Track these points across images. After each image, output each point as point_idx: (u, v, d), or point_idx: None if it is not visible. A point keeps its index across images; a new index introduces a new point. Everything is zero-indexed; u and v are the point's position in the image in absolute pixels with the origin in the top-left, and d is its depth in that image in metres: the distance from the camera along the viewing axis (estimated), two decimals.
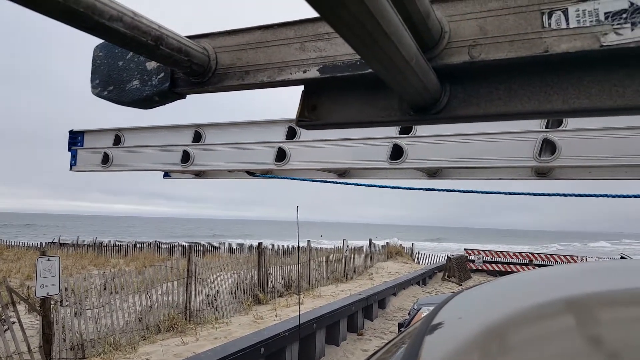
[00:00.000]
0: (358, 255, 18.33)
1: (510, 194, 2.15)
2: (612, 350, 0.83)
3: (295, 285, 13.06)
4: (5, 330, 6.48)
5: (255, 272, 11.82)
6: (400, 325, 7.29)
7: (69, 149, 2.16)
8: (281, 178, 2.35)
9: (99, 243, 31.35)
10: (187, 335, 7.01)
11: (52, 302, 6.86)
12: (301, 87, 0.96)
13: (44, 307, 6.66)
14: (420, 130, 1.69)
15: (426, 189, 2.20)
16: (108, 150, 2.06)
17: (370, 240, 20.23)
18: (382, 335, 9.40)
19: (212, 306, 10.07)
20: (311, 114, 0.94)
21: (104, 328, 7.66)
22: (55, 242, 31.84)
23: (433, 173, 2.23)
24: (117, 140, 2.09)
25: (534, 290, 1.23)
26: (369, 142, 1.72)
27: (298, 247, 2.62)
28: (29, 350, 6.49)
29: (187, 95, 1.08)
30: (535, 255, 22.82)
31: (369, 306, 10.28)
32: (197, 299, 9.74)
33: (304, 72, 0.90)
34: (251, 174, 2.29)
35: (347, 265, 16.22)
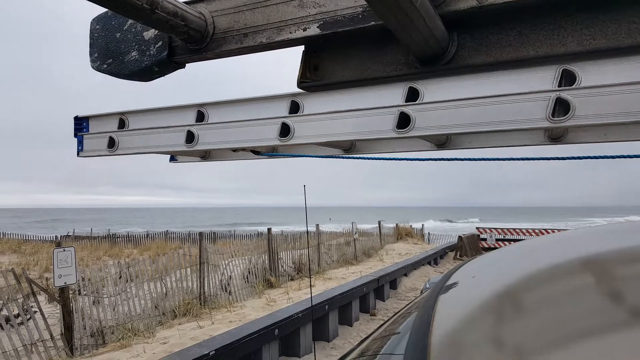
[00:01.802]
0: (367, 238, 18.36)
1: (523, 159, 2.10)
2: (633, 305, 0.81)
3: (305, 268, 13.14)
4: (28, 320, 6.66)
5: (266, 257, 11.91)
6: None
7: (75, 135, 2.16)
8: (286, 156, 2.33)
9: (112, 234, 31.77)
10: (203, 320, 7.10)
11: (71, 292, 7.00)
12: (302, 48, 0.93)
13: (63, 297, 6.81)
14: (427, 96, 1.64)
15: (435, 159, 2.16)
16: (113, 134, 2.05)
17: (379, 222, 20.22)
18: None
19: (226, 291, 10.19)
20: (313, 75, 0.92)
21: (121, 315, 7.81)
22: (69, 235, 32.32)
23: (442, 143, 2.19)
24: (122, 124, 2.08)
25: (551, 251, 1.21)
26: (374, 112, 1.68)
27: (307, 226, 2.62)
28: (52, 337, 6.66)
29: (187, 65, 1.06)
30: (549, 231, 22.53)
31: (381, 287, 10.33)
32: (211, 285, 9.86)
33: (304, 30, 0.87)
34: (256, 153, 2.27)
35: (357, 248, 16.27)
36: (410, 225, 24.88)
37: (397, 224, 23.26)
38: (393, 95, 1.75)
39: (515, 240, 21.56)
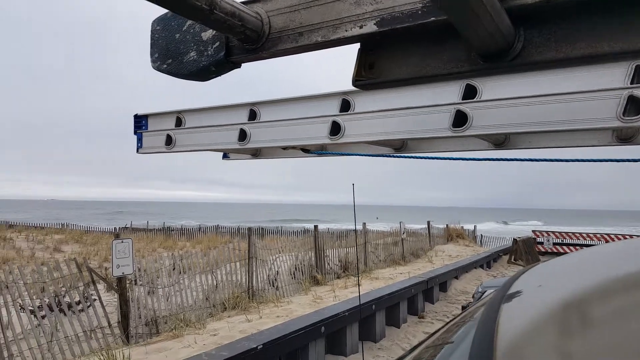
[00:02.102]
0: (416, 238, 18.04)
1: (588, 160, 1.97)
2: None
3: (352, 267, 13.11)
4: (88, 307, 7.04)
5: (312, 254, 11.99)
6: (464, 309, 7.11)
7: (135, 133, 2.25)
8: (336, 154, 2.31)
9: (167, 227, 33.13)
10: (251, 313, 7.25)
11: (128, 282, 7.33)
12: (357, 45, 0.91)
13: (120, 286, 7.15)
14: (486, 93, 1.58)
15: (492, 159, 2.07)
16: (170, 132, 2.12)
17: (428, 222, 19.82)
18: (444, 318, 9.24)
19: (273, 286, 10.36)
20: (369, 73, 0.90)
21: (174, 306, 8.11)
22: (127, 227, 33.99)
23: (500, 143, 2.10)
24: (179, 122, 2.15)
25: (622, 260, 1.13)
26: (428, 110, 1.63)
27: (355, 223, 2.58)
28: (109, 325, 7.01)
29: (243, 65, 1.07)
30: (612, 236, 21.15)
31: (430, 289, 10.13)
32: (259, 279, 10.05)
33: (360, 27, 0.86)
34: (306, 151, 2.28)
35: (405, 248, 16.03)
36: (462, 227, 24.19)
37: (447, 225, 22.70)
38: (449, 92, 1.69)
39: (574, 245, 20.50)
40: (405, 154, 2.19)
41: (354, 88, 1.83)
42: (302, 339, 5.50)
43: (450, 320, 1.66)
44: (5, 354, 5.73)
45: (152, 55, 1.09)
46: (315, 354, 5.76)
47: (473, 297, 7.31)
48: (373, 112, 1.68)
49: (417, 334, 8.06)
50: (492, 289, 6.83)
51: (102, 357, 4.53)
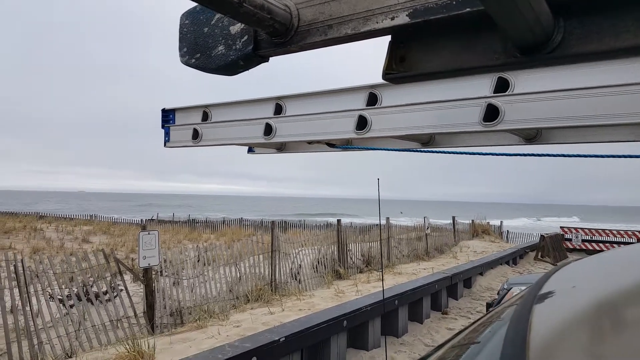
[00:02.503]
0: (440, 233, 17.84)
1: (628, 157, 1.90)
2: None
3: (374, 262, 13.07)
4: (115, 297, 7.20)
5: (335, 248, 11.99)
6: (489, 305, 7.01)
7: (162, 127, 2.28)
8: (362, 149, 2.29)
9: (192, 220, 33.66)
10: (274, 306, 7.31)
11: (153, 273, 7.47)
12: (388, 38, 0.89)
13: (146, 277, 7.29)
14: (519, 86, 1.53)
15: (525, 155, 2.01)
16: (197, 126, 2.14)
17: (453, 217, 19.57)
18: (468, 314, 9.13)
19: (295, 279, 10.42)
20: (399, 66, 0.87)
21: (198, 297, 8.23)
22: (154, 219, 34.65)
23: (531, 138, 2.04)
24: (205, 117, 2.16)
25: None
26: (458, 104, 1.60)
27: (379, 218, 2.56)
28: (135, 314, 7.16)
29: (270, 59, 1.06)
30: None
31: (454, 285, 10.01)
32: (281, 272, 10.12)
33: (392, 19, 0.83)
34: (331, 145, 2.26)
35: (429, 243, 15.88)
36: (488, 222, 23.80)
37: (472, 220, 22.38)
38: (479, 86, 1.65)
39: (603, 242, 19.94)
40: (433, 149, 2.15)
41: (381, 81, 1.80)
42: (324, 333, 5.51)
43: (477, 320, 1.63)
44: (35, 341, 5.90)
45: (180, 49, 1.09)
46: (337, 347, 5.78)
47: (498, 293, 7.19)
48: (401, 106, 1.65)
49: (440, 329, 7.99)
50: (518, 285, 6.71)
51: (128, 347, 4.63)
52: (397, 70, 0.87)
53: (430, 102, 1.62)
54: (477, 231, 21.69)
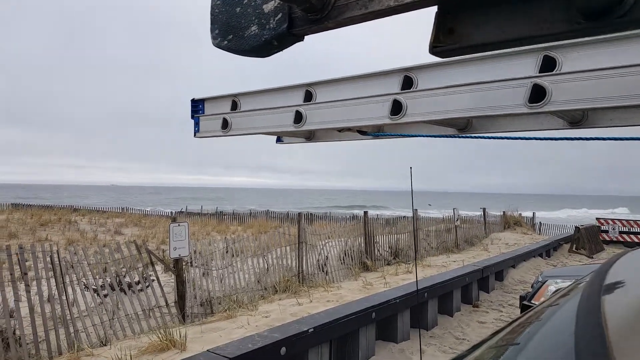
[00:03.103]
0: (470, 225, 17.52)
1: None
2: None
3: (402, 254, 12.94)
4: (147, 287, 7.35)
5: (362, 240, 11.92)
6: (522, 299, 6.83)
7: (192, 117, 2.25)
8: (394, 136, 2.21)
9: (220, 212, 34.15)
10: (301, 297, 7.31)
11: (184, 263, 7.59)
12: (434, 9, 0.81)
13: (177, 267, 7.41)
14: (567, 65, 1.43)
15: (570, 139, 1.90)
16: (227, 116, 2.11)
17: (484, 209, 19.18)
18: (499, 308, 8.94)
19: (322, 271, 10.41)
20: (447, 38, 0.80)
21: (227, 287, 8.32)
22: (183, 212, 35.32)
23: (577, 121, 1.92)
24: (234, 106, 2.12)
25: None
26: (501, 85, 1.50)
27: (412, 208, 2.49)
28: (167, 304, 7.29)
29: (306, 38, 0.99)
30: None
31: (485, 278, 9.81)
32: (309, 264, 10.13)
33: None
34: (362, 133, 2.19)
35: (458, 235, 15.61)
36: (520, 214, 23.23)
37: (504, 212, 21.89)
38: (523, 66, 1.55)
39: None
40: (470, 134, 2.06)
41: (416, 63, 1.72)
42: (352, 324, 5.48)
43: (514, 320, 1.55)
44: (72, 329, 6.08)
45: (212, 31, 1.04)
46: (365, 339, 5.74)
47: (532, 286, 7.00)
48: (439, 88, 1.57)
49: (470, 323, 7.85)
50: (553, 278, 6.51)
51: (160, 335, 4.70)
52: (445, 42, 0.80)
53: (471, 84, 1.53)
54: (509, 223, 21.21)
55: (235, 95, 2.12)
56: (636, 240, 19.27)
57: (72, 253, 6.69)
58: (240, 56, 1.00)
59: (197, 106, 2.24)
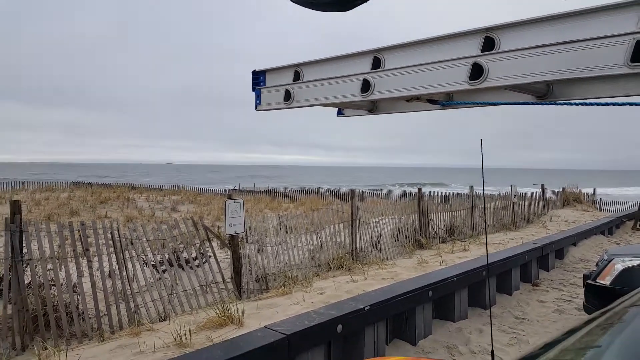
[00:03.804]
0: (528, 202, 16.81)
1: None
2: None
3: (458, 231, 12.63)
4: (204, 263, 7.54)
5: (416, 217, 11.72)
6: (586, 277, 6.49)
7: (253, 89, 2.21)
8: (468, 104, 2.07)
9: (272, 189, 34.73)
10: (355, 274, 7.29)
11: (239, 240, 7.72)
12: None
13: (233, 244, 7.54)
14: None
15: None
16: (289, 87, 2.04)
17: (542, 185, 18.32)
18: (560, 287, 8.56)
19: (376, 248, 10.34)
20: None
21: (282, 264, 8.41)
22: (236, 189, 36.19)
23: None
24: (297, 76, 2.06)
25: None
26: (596, 44, 1.34)
27: (483, 183, 2.35)
28: (223, 280, 7.46)
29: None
30: None
31: (545, 256, 9.42)
32: (362, 241, 10.08)
33: None
34: (433, 102, 2.06)
35: (516, 213, 15.02)
36: (580, 190, 22.07)
37: (563, 188, 20.85)
38: (621, 21, 1.37)
39: None
40: (552, 101, 1.88)
41: (499, 22, 1.58)
42: (409, 302, 5.41)
43: (589, 320, 1.41)
44: (132, 304, 6.30)
45: None
46: (422, 318, 5.66)
47: (597, 265, 6.63)
48: (526, 49, 1.42)
49: (530, 302, 7.58)
50: (620, 256, 6.12)
51: (218, 311, 4.79)
52: None
53: (563, 43, 1.37)
54: (568, 199, 20.20)
55: (297, 65, 2.05)
56: None
57: (131, 230, 6.89)
58: (320, 11, 0.92)
59: (258, 78, 2.19)
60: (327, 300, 5.52)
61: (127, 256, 6.60)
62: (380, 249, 10.34)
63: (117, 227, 6.58)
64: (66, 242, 6.45)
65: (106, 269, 6.35)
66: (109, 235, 6.43)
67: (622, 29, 1.32)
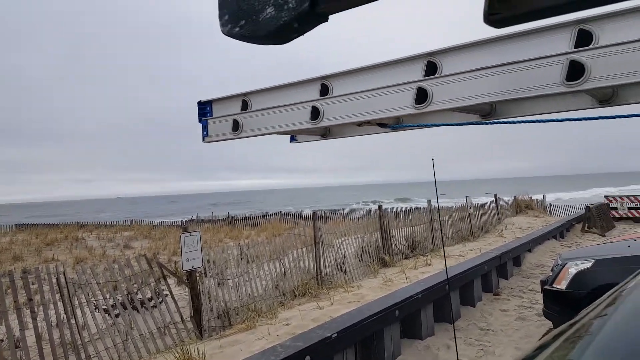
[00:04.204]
0: (483, 212, 17.36)
1: None
2: None
3: (419, 246, 12.81)
4: (160, 303, 7.16)
5: (378, 235, 11.80)
6: (543, 283, 6.69)
7: (200, 121, 2.15)
8: (415, 127, 2.09)
9: (232, 217, 34.08)
10: (322, 300, 7.20)
11: (197, 275, 7.39)
12: None
13: (190, 280, 7.20)
14: (605, 38, 1.31)
15: (604, 117, 1.77)
16: (237, 117, 2.00)
17: (495, 195, 19.01)
18: (520, 294, 8.79)
19: (341, 270, 10.28)
20: (503, 5, 0.68)
21: (244, 296, 8.13)
22: (193, 220, 35.25)
23: (607, 99, 1.79)
24: (245, 106, 2.01)
25: None
26: (534, 64, 1.38)
27: (437, 198, 2.36)
28: (182, 320, 7.07)
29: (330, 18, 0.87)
30: None
31: (503, 264, 9.66)
32: (326, 264, 10.00)
33: None
34: (382, 125, 2.07)
35: (473, 223, 15.44)
36: (530, 197, 23.09)
37: (515, 197, 21.74)
38: (555, 42, 1.43)
39: None
40: (495, 120, 1.93)
41: (439, 47, 1.60)
42: (376, 324, 5.36)
43: (558, 335, 1.43)
44: (83, 355, 5.81)
45: (220, 18, 0.90)
46: (390, 339, 5.61)
47: (552, 270, 6.86)
48: (467, 72, 1.45)
49: (493, 312, 7.71)
50: (573, 260, 6.36)
51: (177, 354, 4.56)
52: (502, 9, 0.68)
53: (501, 65, 1.41)
54: (521, 207, 21.07)
55: (245, 95, 2.01)
56: None
57: (80, 272, 6.42)
58: (255, 44, 0.88)
59: (205, 108, 2.13)
60: (294, 331, 5.39)
61: (76, 302, 6.17)
62: (345, 271, 10.29)
63: (64, 271, 6.15)
64: (8, 291, 5.98)
65: (53, 319, 5.87)
66: (55, 281, 5.97)
67: (557, 49, 1.38)
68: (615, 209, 20.00)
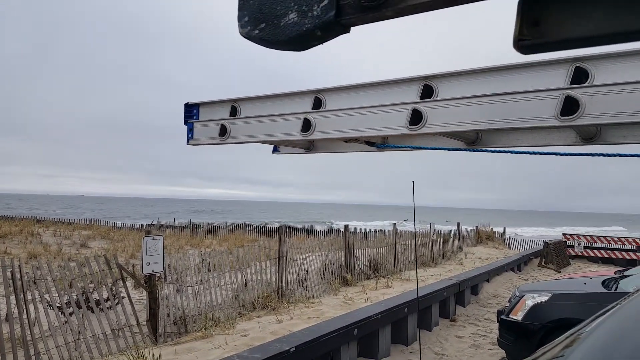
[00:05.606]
0: (445, 240, 17.68)
1: None
2: None
3: (381, 268, 12.88)
4: (117, 304, 6.94)
5: (342, 254, 11.80)
6: (500, 313, 6.84)
7: (185, 123, 2.09)
8: (403, 148, 2.11)
9: (194, 225, 33.35)
10: (281, 314, 7.09)
11: (157, 279, 7.21)
12: None
13: (150, 284, 7.03)
14: (600, 77, 1.36)
15: (591, 154, 1.83)
16: (225, 122, 1.96)
17: (458, 224, 19.42)
18: (476, 322, 8.94)
19: (302, 286, 10.19)
20: (533, 31, 0.69)
21: (203, 304, 7.97)
22: (154, 224, 34.27)
23: (590, 137, 1.87)
24: (234, 112, 1.98)
25: None
26: (531, 97, 1.42)
27: (415, 221, 2.37)
28: (138, 323, 6.90)
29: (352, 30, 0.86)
30: None
31: (462, 292, 9.83)
32: (289, 279, 9.90)
33: None
34: (370, 144, 2.08)
35: (435, 250, 15.69)
36: (492, 229, 23.71)
37: (477, 227, 22.28)
38: (553, 77, 1.48)
39: (604, 249, 20.06)
40: (480, 148, 1.97)
41: (436, 72, 1.63)
42: (334, 342, 5.33)
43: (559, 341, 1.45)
44: (32, 351, 5.61)
45: (240, 19, 0.88)
46: (347, 356, 5.59)
47: (509, 301, 7.03)
48: (463, 98, 1.48)
49: (448, 337, 7.81)
50: (530, 293, 6.55)
51: (131, 357, 4.40)
52: (530, 36, 0.69)
53: (498, 94, 1.44)
54: (482, 237, 21.58)
55: (235, 100, 1.98)
56: (599, 255, 20.16)
57: (34, 268, 6.21)
58: (272, 49, 0.87)
59: (191, 111, 2.09)
60: (251, 342, 5.28)
61: (29, 297, 5.93)
62: (306, 287, 10.21)
63: (19, 265, 5.89)
64: None
65: (3, 312, 5.64)
66: (9, 274, 5.75)
67: (553, 84, 1.42)
68: (572, 246, 20.71)
